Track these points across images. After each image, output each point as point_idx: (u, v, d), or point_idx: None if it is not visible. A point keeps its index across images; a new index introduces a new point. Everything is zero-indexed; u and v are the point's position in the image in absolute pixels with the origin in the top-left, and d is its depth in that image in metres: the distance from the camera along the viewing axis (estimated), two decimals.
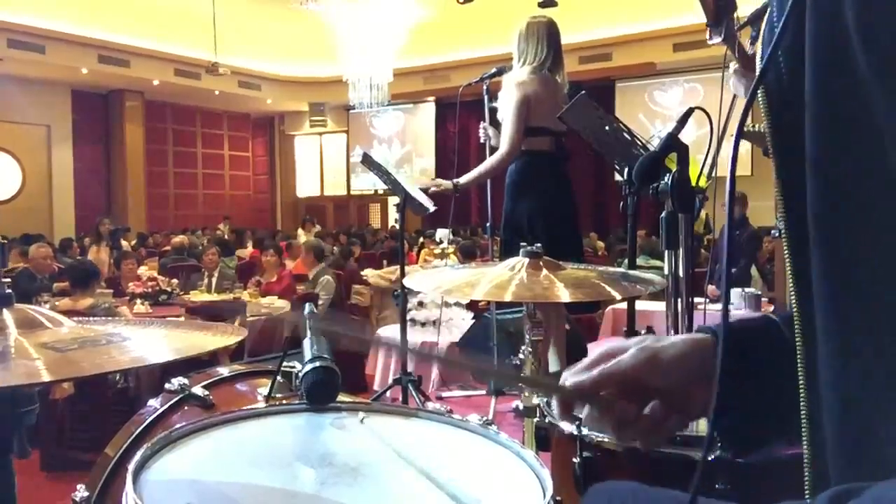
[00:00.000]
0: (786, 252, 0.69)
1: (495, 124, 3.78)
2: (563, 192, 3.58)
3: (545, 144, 3.48)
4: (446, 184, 3.54)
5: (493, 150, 3.83)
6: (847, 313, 0.60)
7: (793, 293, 0.68)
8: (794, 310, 0.68)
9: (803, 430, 0.68)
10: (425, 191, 3.51)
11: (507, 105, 3.44)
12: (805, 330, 0.67)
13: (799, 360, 0.68)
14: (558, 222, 3.46)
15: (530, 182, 3.46)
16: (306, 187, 18.18)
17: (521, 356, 1.69)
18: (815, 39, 0.59)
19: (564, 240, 3.39)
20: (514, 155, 3.44)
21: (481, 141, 3.80)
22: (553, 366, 3.39)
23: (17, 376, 0.91)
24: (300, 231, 14.41)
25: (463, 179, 3.57)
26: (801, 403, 0.68)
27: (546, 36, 3.51)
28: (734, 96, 2.23)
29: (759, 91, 0.69)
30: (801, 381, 0.68)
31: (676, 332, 2.26)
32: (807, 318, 0.66)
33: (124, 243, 9.18)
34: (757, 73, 0.67)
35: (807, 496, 0.68)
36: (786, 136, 0.68)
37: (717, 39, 1.63)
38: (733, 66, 1.91)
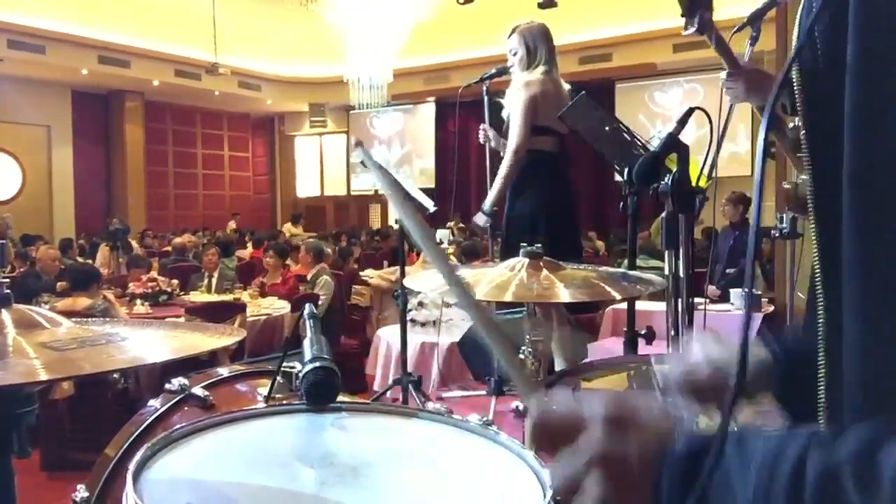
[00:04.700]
0: (813, 231, 0.69)
1: (495, 125, 3.78)
2: (566, 192, 3.60)
3: (549, 144, 3.49)
4: (480, 220, 3.52)
5: (493, 151, 3.83)
6: (880, 294, 0.59)
7: (819, 281, 0.68)
8: (820, 298, 0.68)
9: (822, 422, 0.68)
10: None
11: (515, 105, 3.46)
12: (830, 315, 0.67)
13: (820, 349, 0.68)
14: (560, 222, 3.48)
15: (533, 182, 3.47)
16: (306, 188, 18.18)
17: (521, 356, 1.69)
18: (861, 20, 0.59)
19: (565, 240, 3.40)
20: (523, 152, 3.45)
21: (481, 142, 3.81)
22: (559, 364, 3.39)
23: (15, 375, 0.91)
24: (288, 226, 14.62)
25: (488, 203, 3.53)
26: (820, 393, 0.68)
27: (546, 39, 3.54)
28: None
29: (793, 68, 0.69)
30: (820, 370, 0.68)
31: (676, 333, 2.26)
32: (833, 304, 0.65)
33: (135, 245, 9.20)
34: (792, 51, 0.67)
35: None
36: (819, 115, 0.68)
37: (691, 30, 1.63)
38: (724, 74, 1.90)
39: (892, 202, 0.58)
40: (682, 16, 1.60)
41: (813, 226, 0.69)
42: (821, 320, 0.68)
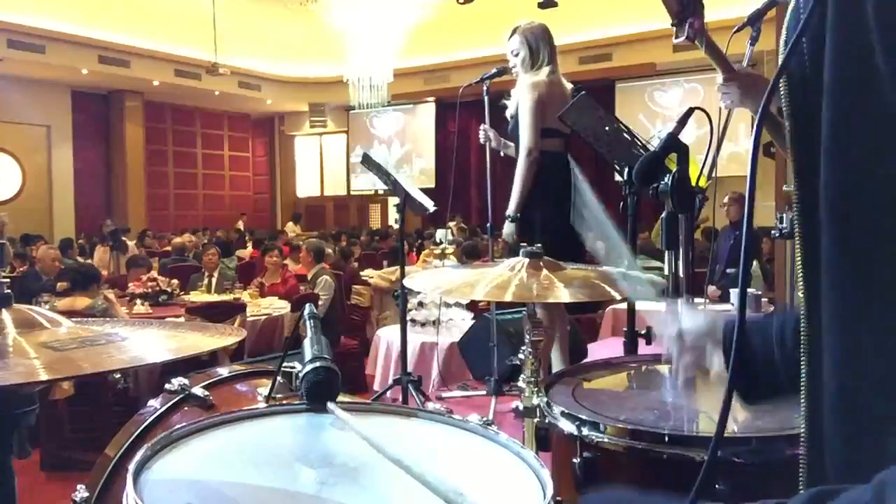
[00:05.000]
0: (797, 240, 0.71)
1: (496, 126, 3.78)
2: (571, 193, 3.60)
3: (556, 145, 3.49)
4: (511, 228, 3.46)
5: (494, 151, 3.82)
6: (854, 300, 0.61)
7: (801, 284, 0.70)
8: (802, 301, 0.70)
9: (803, 424, 0.70)
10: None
11: (522, 107, 3.44)
12: (811, 319, 0.69)
13: (802, 352, 0.69)
14: (566, 223, 3.48)
15: (543, 183, 3.46)
16: (306, 187, 18.18)
17: (521, 356, 1.69)
18: (837, 29, 0.61)
19: (570, 240, 3.41)
20: (536, 153, 3.43)
21: (481, 142, 3.80)
22: (556, 365, 3.39)
23: (15, 375, 0.91)
24: (290, 225, 14.68)
25: (513, 207, 3.46)
26: (802, 397, 0.70)
27: (548, 39, 3.52)
28: None
29: (781, 78, 0.70)
30: (803, 373, 0.70)
31: None
32: (814, 309, 0.68)
33: (130, 244, 9.21)
34: (780, 59, 0.69)
35: (801, 490, 0.70)
36: (804, 122, 0.70)
37: (681, 38, 1.63)
38: (719, 77, 1.90)
39: (864, 208, 0.60)
40: (672, 24, 1.61)
41: (797, 227, 0.70)
42: (802, 312, 0.70)
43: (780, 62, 0.69)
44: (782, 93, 0.72)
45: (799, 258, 0.70)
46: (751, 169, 0.66)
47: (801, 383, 0.70)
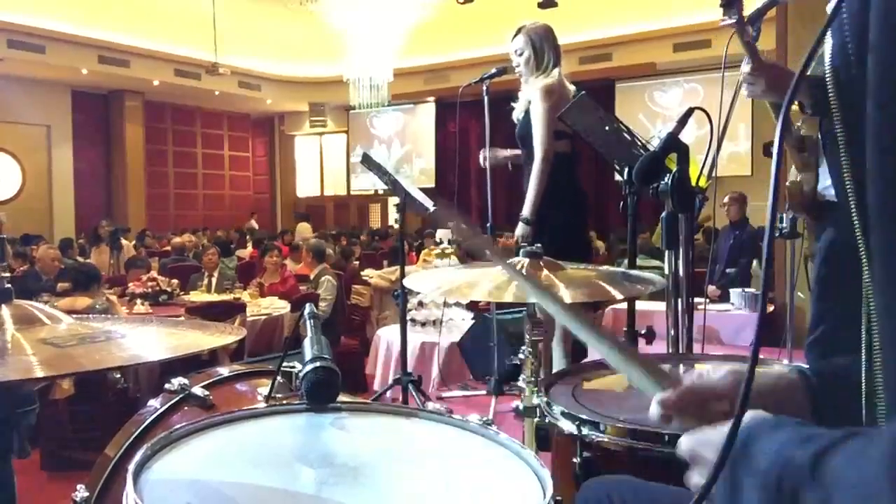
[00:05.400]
0: (854, 215, 0.68)
1: (496, 125, 3.77)
2: (578, 192, 3.62)
3: (564, 147, 3.49)
4: (524, 230, 3.44)
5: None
6: None
7: (866, 269, 0.67)
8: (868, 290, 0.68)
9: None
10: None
11: (537, 112, 3.43)
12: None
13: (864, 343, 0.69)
14: (573, 221, 3.50)
15: (552, 184, 3.47)
16: (306, 187, 18.18)
17: (521, 356, 1.69)
18: (883, 13, 0.59)
19: (578, 239, 3.44)
20: (551, 156, 3.43)
21: (482, 165, 3.79)
22: (558, 359, 3.39)
23: (13, 371, 0.91)
24: (305, 225, 14.62)
25: (528, 210, 3.45)
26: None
27: (552, 40, 3.53)
28: (734, 97, 2.22)
29: (825, 51, 0.69)
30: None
31: (677, 332, 2.27)
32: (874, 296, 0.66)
33: (125, 243, 9.21)
34: (821, 29, 0.66)
35: None
36: (848, 94, 0.68)
37: (731, 21, 1.64)
38: (745, 67, 1.89)
39: None
40: (721, 6, 1.62)
41: (854, 210, 0.68)
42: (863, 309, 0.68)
43: (807, 55, 0.67)
44: (827, 68, 0.70)
45: (859, 236, 0.68)
46: (776, 160, 0.63)
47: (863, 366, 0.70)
